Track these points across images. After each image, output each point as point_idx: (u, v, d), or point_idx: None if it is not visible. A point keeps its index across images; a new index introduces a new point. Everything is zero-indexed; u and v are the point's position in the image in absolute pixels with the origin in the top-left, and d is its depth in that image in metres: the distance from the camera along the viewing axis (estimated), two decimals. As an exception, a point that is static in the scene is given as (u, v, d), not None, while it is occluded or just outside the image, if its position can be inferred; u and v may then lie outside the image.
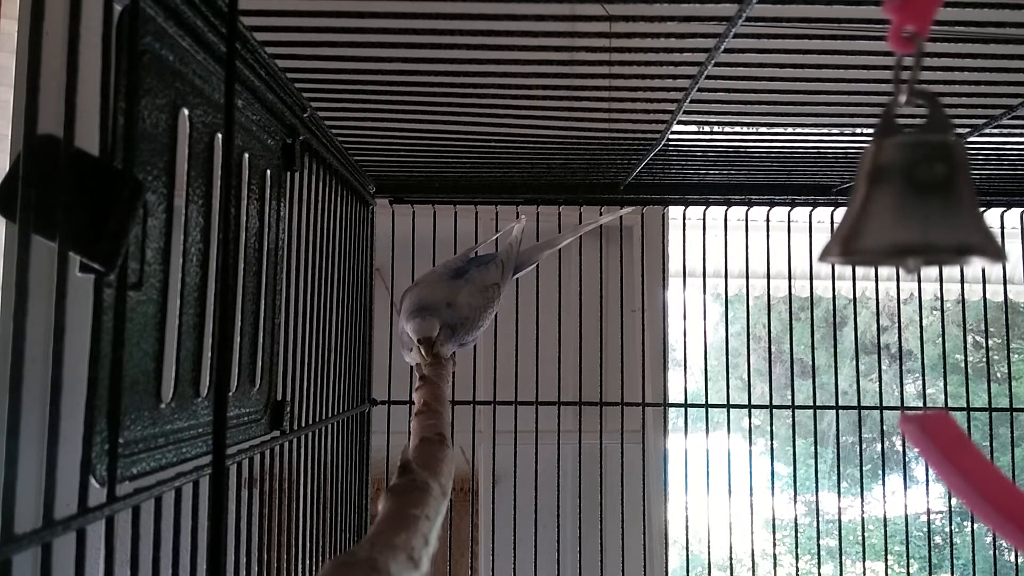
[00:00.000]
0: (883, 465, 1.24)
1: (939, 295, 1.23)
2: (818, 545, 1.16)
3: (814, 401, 1.19)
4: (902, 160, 0.36)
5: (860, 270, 1.22)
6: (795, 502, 1.19)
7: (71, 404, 0.36)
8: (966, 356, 1.15)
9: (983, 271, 1.20)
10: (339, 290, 0.91)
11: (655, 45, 0.63)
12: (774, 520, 1.21)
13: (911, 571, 1.26)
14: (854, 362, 1.19)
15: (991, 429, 1.12)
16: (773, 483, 1.30)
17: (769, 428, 1.18)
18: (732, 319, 1.25)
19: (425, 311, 0.81)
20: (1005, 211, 1.13)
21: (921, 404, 1.22)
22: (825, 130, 0.85)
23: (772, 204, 1.14)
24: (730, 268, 1.17)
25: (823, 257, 0.39)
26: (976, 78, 0.69)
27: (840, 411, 1.17)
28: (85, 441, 0.39)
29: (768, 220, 1.15)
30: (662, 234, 1.23)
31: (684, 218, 1.18)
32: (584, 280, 1.18)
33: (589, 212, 1.14)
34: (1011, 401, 1.15)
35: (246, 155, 0.62)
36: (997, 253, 0.36)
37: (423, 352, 0.81)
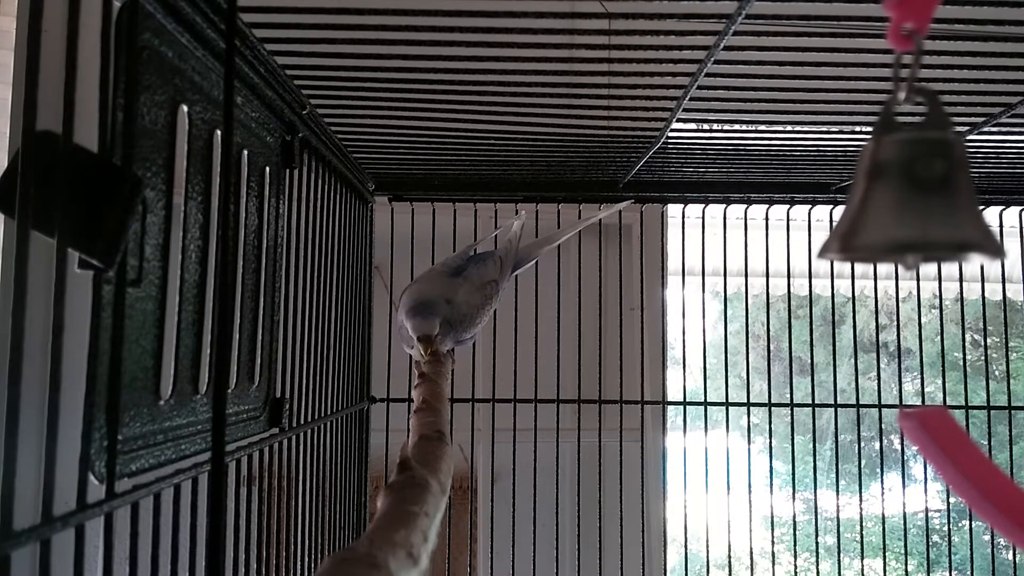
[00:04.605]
0: (881, 463, 1.25)
1: (938, 293, 1.23)
2: (816, 543, 1.16)
3: (812, 399, 1.19)
4: (901, 157, 0.36)
5: (859, 268, 1.23)
6: (794, 500, 1.19)
7: (70, 401, 0.36)
8: (964, 354, 1.15)
9: (982, 269, 1.20)
10: (338, 288, 0.91)
11: (654, 43, 0.63)
12: (772, 518, 1.21)
13: (909, 569, 1.27)
14: (853, 360, 1.20)
15: (989, 427, 1.12)
16: (772, 481, 1.30)
17: (768, 426, 1.18)
18: (731, 317, 1.25)
19: (424, 307, 0.81)
20: (1004, 209, 1.13)
21: (920, 402, 1.22)
22: (824, 128, 0.85)
23: (771, 202, 1.14)
24: (729, 266, 1.17)
25: (822, 254, 0.39)
26: (975, 76, 0.69)
27: (838, 409, 1.18)
28: (84, 438, 0.39)
29: (767, 218, 1.15)
30: (661, 232, 1.23)
31: (683, 216, 1.18)
32: (583, 278, 1.18)
33: (588, 210, 1.13)
34: (1009, 399, 1.15)
35: (245, 152, 0.62)
36: (996, 250, 0.36)
37: (422, 350, 0.81)
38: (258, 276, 0.65)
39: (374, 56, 0.66)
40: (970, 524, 1.27)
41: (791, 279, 1.21)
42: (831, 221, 1.18)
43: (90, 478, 0.39)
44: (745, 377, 1.27)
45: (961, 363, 1.14)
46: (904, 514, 1.17)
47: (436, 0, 0.60)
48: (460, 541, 1.25)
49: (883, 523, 1.14)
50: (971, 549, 1.21)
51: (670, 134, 0.85)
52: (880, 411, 1.17)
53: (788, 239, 1.18)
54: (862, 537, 1.15)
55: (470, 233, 1.12)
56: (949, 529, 1.22)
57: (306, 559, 0.79)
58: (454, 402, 0.95)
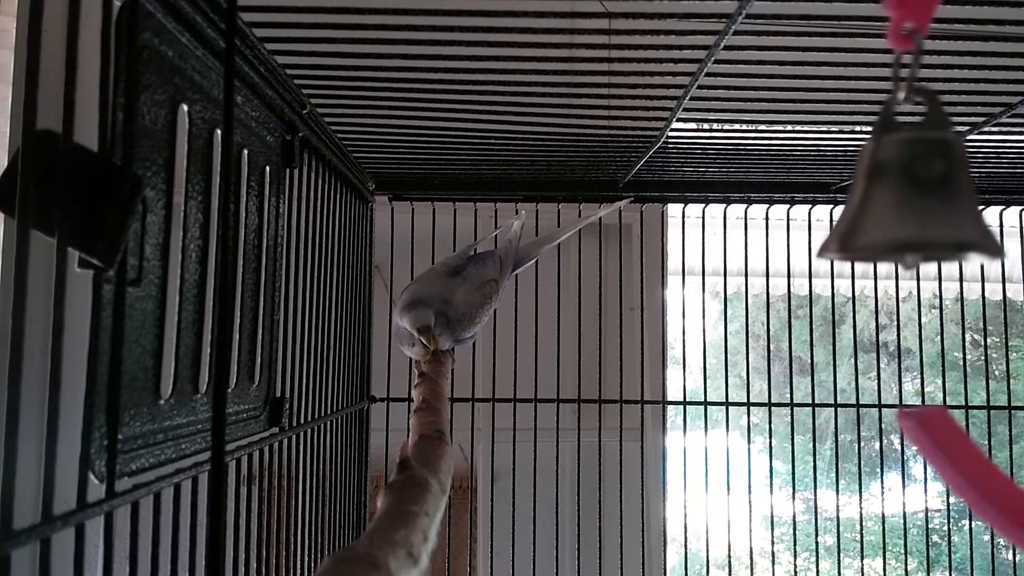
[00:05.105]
0: (881, 463, 1.25)
1: (938, 293, 1.23)
2: (816, 542, 1.16)
3: (812, 399, 1.19)
4: (901, 156, 0.36)
5: (859, 268, 1.23)
6: (793, 499, 1.19)
7: (70, 400, 0.36)
8: (964, 354, 1.15)
9: (982, 269, 1.20)
10: (338, 287, 0.91)
11: (654, 43, 0.63)
12: (772, 518, 1.21)
13: (909, 569, 1.27)
14: (852, 360, 1.20)
15: (989, 427, 1.12)
16: (771, 481, 1.30)
17: (768, 426, 1.18)
18: (731, 317, 1.25)
19: (417, 303, 0.82)
20: (1004, 209, 1.13)
21: (919, 402, 1.22)
22: (824, 128, 0.85)
23: (771, 202, 1.14)
24: (729, 266, 1.17)
25: (822, 253, 0.39)
26: (975, 76, 0.69)
27: (838, 409, 1.18)
28: (84, 437, 0.39)
29: (767, 218, 1.15)
30: (661, 232, 1.23)
31: (683, 216, 1.18)
32: (583, 278, 1.18)
33: (588, 210, 1.13)
34: (1009, 399, 1.15)
35: (245, 151, 0.62)
36: (995, 250, 0.36)
37: (424, 342, 0.81)
38: (258, 276, 0.65)
39: (374, 56, 0.66)
40: (970, 524, 1.27)
41: (791, 279, 1.21)
42: (831, 221, 1.18)
43: (90, 477, 0.39)
44: (745, 377, 1.27)
45: (961, 363, 1.14)
46: (904, 514, 1.17)
47: (436, 0, 0.60)
48: (460, 541, 1.25)
49: (883, 523, 1.14)
50: (971, 549, 1.21)
51: (670, 134, 0.85)
52: (880, 411, 1.17)
53: (788, 239, 1.18)
54: (862, 537, 1.15)
55: (470, 233, 1.12)
56: (949, 529, 1.22)
57: (306, 559, 0.79)
58: (454, 402, 0.95)
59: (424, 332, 0.80)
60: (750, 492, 1.17)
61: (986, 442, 1.11)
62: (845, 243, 0.37)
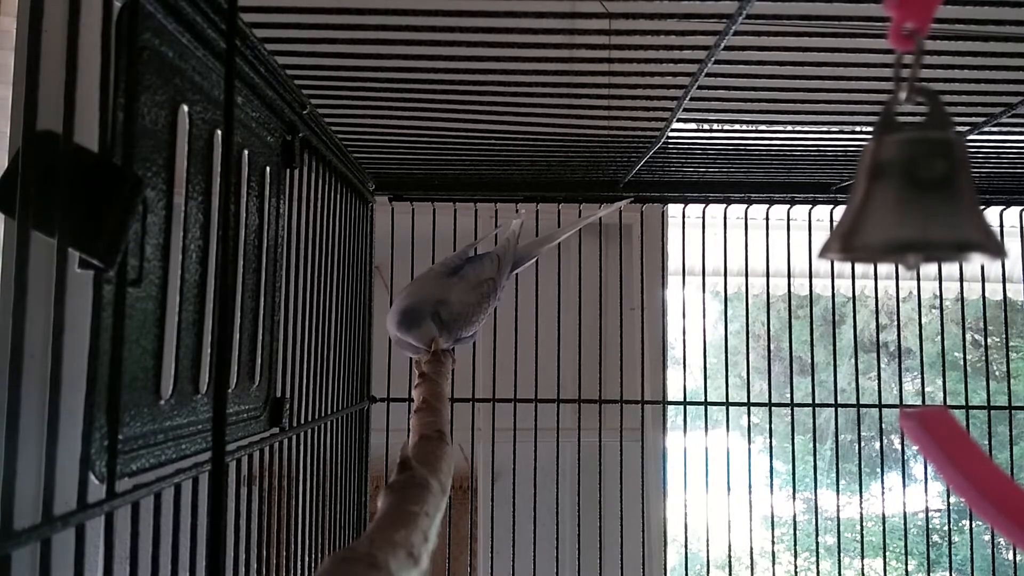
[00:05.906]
0: (882, 463, 1.25)
1: (938, 293, 1.23)
2: (816, 542, 1.16)
3: (813, 399, 1.19)
4: (902, 156, 0.36)
5: (859, 268, 1.23)
6: (794, 499, 1.19)
7: (70, 401, 0.36)
8: (965, 354, 1.15)
9: (982, 269, 1.20)
10: (338, 287, 0.91)
11: (655, 43, 0.63)
12: (773, 518, 1.21)
13: (909, 569, 1.27)
14: (853, 360, 1.20)
15: (989, 427, 1.12)
16: (772, 481, 1.30)
17: (768, 426, 1.18)
18: (731, 317, 1.25)
19: (409, 317, 0.82)
20: (1004, 209, 1.13)
21: (920, 402, 1.22)
22: (824, 128, 0.85)
23: (771, 202, 1.14)
24: (729, 266, 1.17)
25: (823, 254, 0.39)
26: (976, 76, 0.69)
27: (839, 409, 1.18)
28: (84, 437, 0.39)
29: (767, 218, 1.15)
30: (661, 232, 1.23)
31: (683, 216, 1.18)
32: (583, 278, 1.18)
33: (588, 210, 1.13)
34: (1009, 399, 1.15)
35: (246, 152, 0.62)
36: (997, 250, 0.36)
37: (430, 351, 0.81)
38: (258, 276, 0.65)
39: (374, 56, 0.66)
40: (970, 524, 1.27)
41: (791, 279, 1.21)
42: (831, 221, 1.18)
43: (91, 478, 0.39)
44: (745, 377, 1.27)
45: (961, 363, 1.14)
46: (904, 514, 1.17)
47: (436, 0, 0.60)
48: (460, 541, 1.25)
49: (883, 523, 1.14)
50: (971, 549, 1.21)
51: (670, 134, 0.85)
52: (880, 411, 1.17)
53: (788, 239, 1.18)
54: (862, 537, 1.15)
55: (470, 233, 1.12)
56: (949, 529, 1.22)
57: (306, 559, 0.79)
58: (454, 402, 0.95)
59: (433, 342, 0.81)
60: (750, 492, 1.17)
61: (986, 442, 1.11)
62: (846, 243, 0.37)
